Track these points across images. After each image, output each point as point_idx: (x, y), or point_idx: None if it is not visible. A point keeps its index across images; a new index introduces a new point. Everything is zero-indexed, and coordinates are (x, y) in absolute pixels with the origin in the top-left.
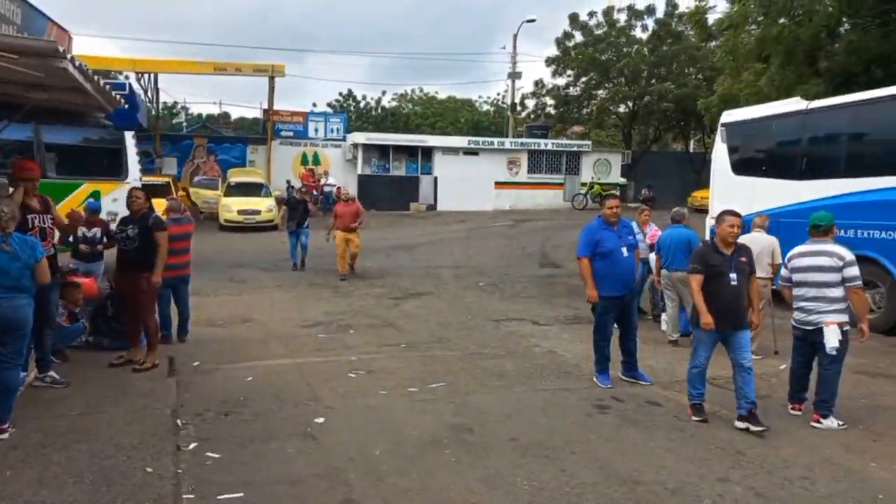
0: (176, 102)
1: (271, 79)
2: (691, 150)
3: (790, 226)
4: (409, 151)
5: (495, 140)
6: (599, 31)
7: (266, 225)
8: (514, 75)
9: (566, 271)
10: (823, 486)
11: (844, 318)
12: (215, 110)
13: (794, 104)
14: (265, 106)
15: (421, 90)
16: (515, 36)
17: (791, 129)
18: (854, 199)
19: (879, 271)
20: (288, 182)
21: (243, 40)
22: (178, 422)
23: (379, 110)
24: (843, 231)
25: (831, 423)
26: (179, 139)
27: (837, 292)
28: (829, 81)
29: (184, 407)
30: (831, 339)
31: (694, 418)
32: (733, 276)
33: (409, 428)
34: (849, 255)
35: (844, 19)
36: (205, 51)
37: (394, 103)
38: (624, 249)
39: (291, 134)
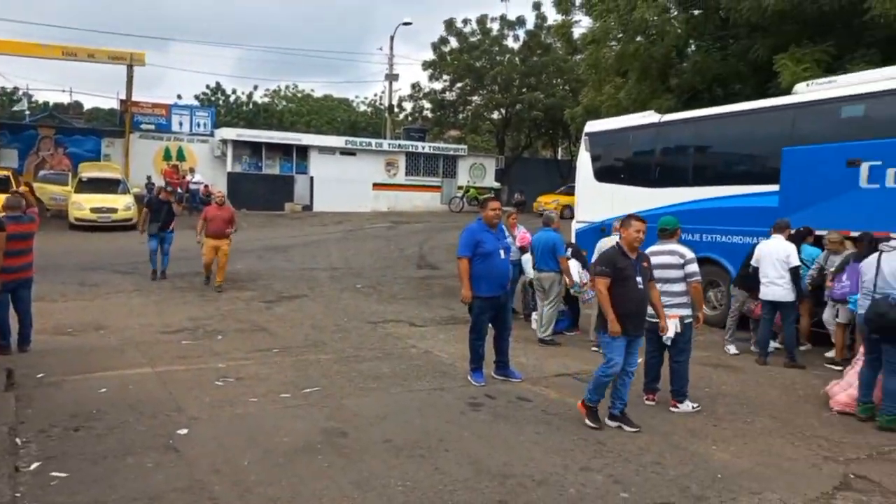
0: (17, 88)
1: (129, 67)
2: (559, 158)
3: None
4: (284, 150)
5: (373, 141)
6: (474, 39)
7: (123, 224)
8: (392, 77)
9: (444, 273)
10: (672, 469)
11: (686, 311)
12: (65, 98)
13: (649, 117)
14: (123, 96)
15: (295, 87)
16: (392, 38)
17: (645, 141)
18: (699, 205)
19: (721, 272)
20: (149, 178)
21: (98, 24)
22: (18, 440)
23: (250, 106)
24: (689, 235)
25: (686, 406)
26: (21, 129)
27: (680, 287)
28: (679, 97)
29: (24, 424)
30: (670, 331)
31: (590, 424)
32: (639, 279)
33: (280, 435)
34: (689, 254)
35: (691, 41)
36: (54, 33)
37: (266, 99)
38: (501, 252)
39: (153, 127)
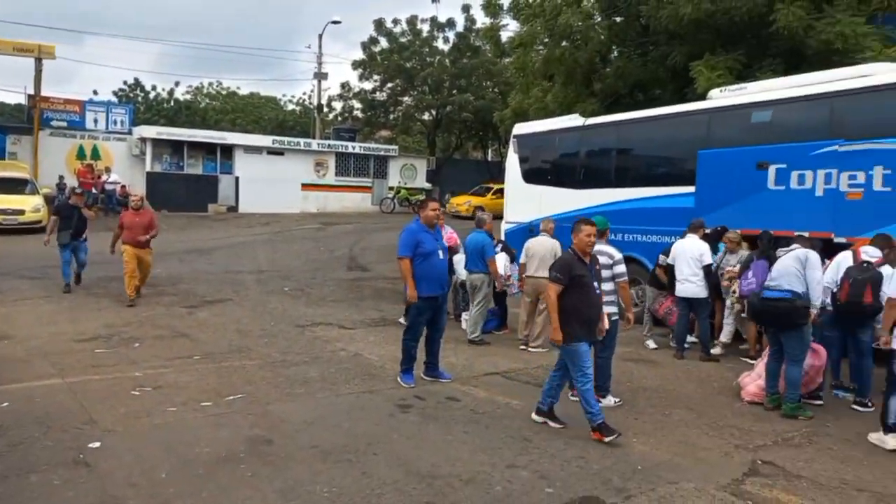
0: None
1: (38, 61)
2: (489, 159)
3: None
4: (207, 149)
5: (301, 141)
6: (404, 39)
7: (31, 227)
8: (320, 76)
9: (374, 274)
10: (595, 463)
11: (613, 309)
12: None
13: (573, 120)
14: (31, 91)
15: (220, 84)
16: (321, 36)
17: (571, 143)
18: (622, 206)
19: (642, 270)
20: (61, 178)
21: (5, 14)
22: None
23: (172, 103)
24: (613, 235)
25: (609, 401)
26: None
27: (608, 286)
28: (603, 101)
29: None
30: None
31: (606, 439)
32: (596, 284)
33: (200, 445)
34: (618, 255)
35: (614, 47)
36: None
37: (188, 96)
38: (440, 252)
39: (65, 124)
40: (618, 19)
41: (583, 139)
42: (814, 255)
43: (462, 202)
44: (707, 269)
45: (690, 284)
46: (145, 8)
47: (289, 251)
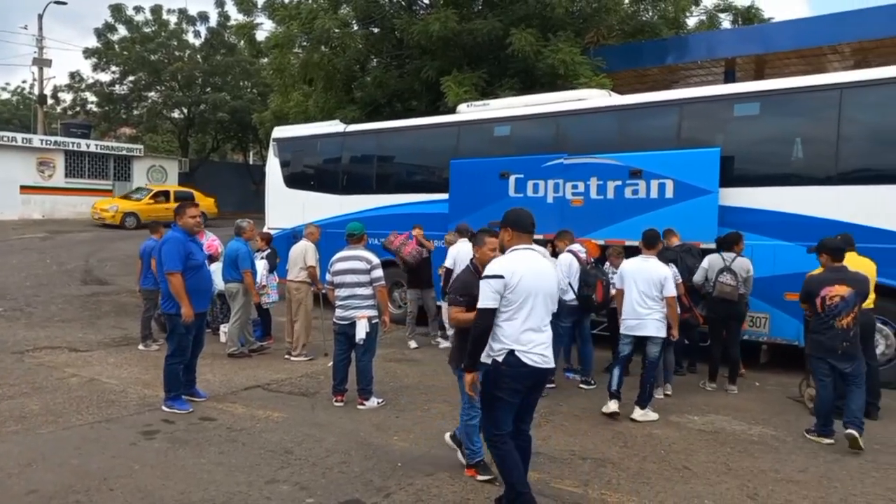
0: None
1: None
2: (251, 162)
3: (336, 235)
4: None
5: (20, 136)
6: (148, 29)
7: None
8: (42, 62)
9: (115, 288)
10: (357, 466)
11: (373, 312)
12: None
13: (334, 126)
14: None
15: None
16: (41, 16)
17: (332, 149)
18: (383, 212)
19: (403, 273)
20: None
21: None
22: None
23: None
24: (375, 240)
25: (372, 402)
26: None
27: (367, 291)
28: (363, 108)
29: None
30: (360, 331)
31: (480, 478)
32: None
33: None
34: (375, 260)
35: (372, 56)
36: None
37: None
38: (206, 262)
39: None
40: (375, 30)
41: (344, 145)
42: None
43: (107, 206)
44: None
45: None
46: None
47: (4, 265)
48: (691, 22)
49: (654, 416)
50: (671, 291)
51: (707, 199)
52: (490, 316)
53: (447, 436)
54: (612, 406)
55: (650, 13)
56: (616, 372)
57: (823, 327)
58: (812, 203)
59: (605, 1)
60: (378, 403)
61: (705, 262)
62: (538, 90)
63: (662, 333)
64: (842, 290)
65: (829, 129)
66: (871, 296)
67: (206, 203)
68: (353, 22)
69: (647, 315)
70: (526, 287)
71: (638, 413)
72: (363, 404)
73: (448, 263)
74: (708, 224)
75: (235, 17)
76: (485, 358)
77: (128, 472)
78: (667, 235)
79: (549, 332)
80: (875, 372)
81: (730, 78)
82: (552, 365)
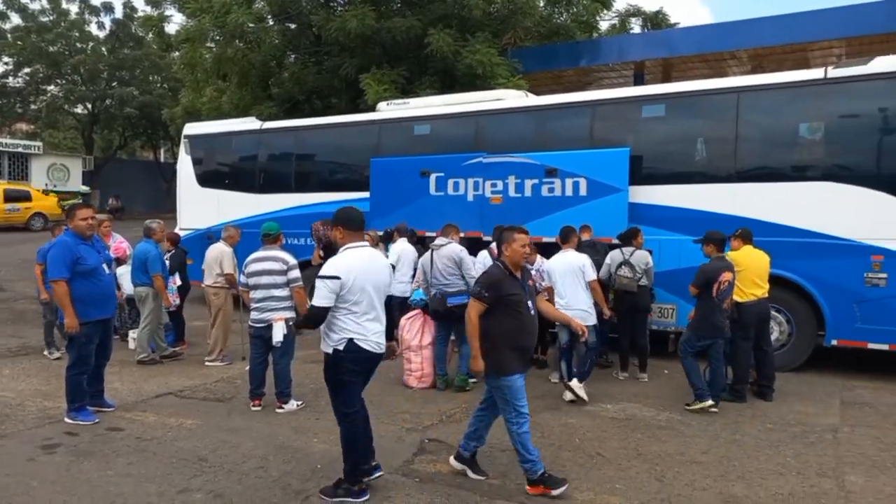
0: None
1: None
2: (162, 160)
3: (252, 235)
4: None
5: None
6: (46, 19)
7: None
8: None
9: (12, 294)
10: (275, 470)
11: (290, 314)
12: None
13: (250, 123)
14: None
15: None
16: None
17: (248, 146)
18: (302, 211)
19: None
20: None
21: None
22: None
23: None
24: (294, 240)
25: (291, 405)
26: None
27: (284, 292)
28: (281, 105)
29: None
30: (277, 334)
31: (554, 492)
32: (531, 304)
33: None
34: (292, 261)
35: (289, 52)
36: None
37: None
38: (105, 266)
39: None
40: (291, 26)
41: (261, 143)
42: (467, 256)
43: None
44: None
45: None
46: None
47: None
48: (604, 26)
49: (585, 395)
50: (591, 276)
51: (618, 197)
52: (325, 313)
53: (452, 459)
54: (569, 394)
55: (564, 16)
56: (563, 364)
57: (717, 310)
58: (714, 200)
59: (521, 3)
60: (297, 406)
61: (608, 258)
62: (458, 90)
63: (592, 321)
64: (728, 276)
65: (728, 130)
66: (766, 286)
67: (46, 203)
68: (269, 17)
69: (576, 305)
70: (360, 284)
71: (575, 384)
72: (282, 408)
73: (392, 260)
74: (619, 220)
75: (143, 8)
76: (324, 347)
77: (24, 490)
78: (582, 231)
79: (384, 320)
80: (770, 357)
81: (639, 80)
82: (383, 350)
